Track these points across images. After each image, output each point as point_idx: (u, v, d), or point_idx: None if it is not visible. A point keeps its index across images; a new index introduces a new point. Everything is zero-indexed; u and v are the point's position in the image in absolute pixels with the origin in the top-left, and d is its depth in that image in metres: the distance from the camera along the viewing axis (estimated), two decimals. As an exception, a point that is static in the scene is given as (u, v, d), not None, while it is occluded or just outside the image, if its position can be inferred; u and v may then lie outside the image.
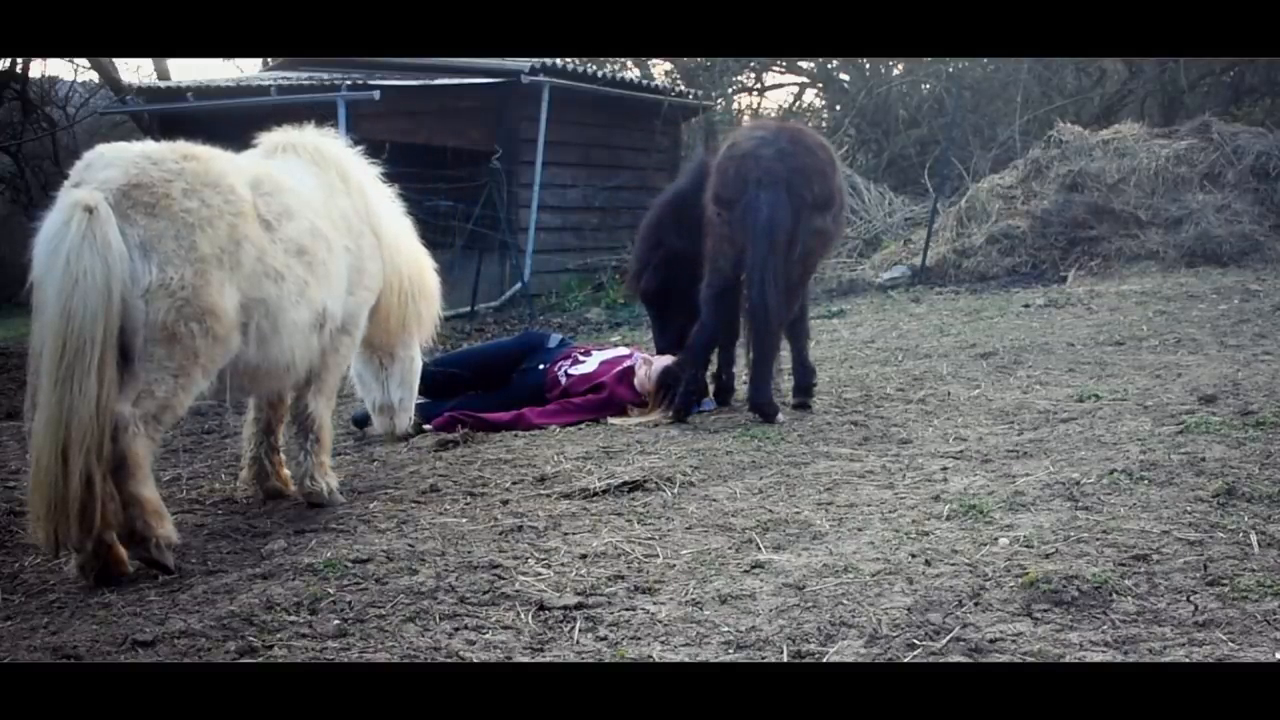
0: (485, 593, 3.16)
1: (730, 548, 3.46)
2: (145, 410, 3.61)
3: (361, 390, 5.22)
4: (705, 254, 5.67)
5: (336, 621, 2.98)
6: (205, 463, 5.46)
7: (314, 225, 4.20)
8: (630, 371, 6.03)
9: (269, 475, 4.62)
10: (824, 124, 19.42)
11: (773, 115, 19.46)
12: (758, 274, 5.34)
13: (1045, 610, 2.77)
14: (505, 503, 4.17)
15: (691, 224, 5.79)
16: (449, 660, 2.72)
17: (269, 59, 17.44)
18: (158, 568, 3.59)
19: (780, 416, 5.44)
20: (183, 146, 3.92)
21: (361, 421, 6.23)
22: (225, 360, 3.85)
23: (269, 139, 4.53)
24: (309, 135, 4.57)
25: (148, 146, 3.86)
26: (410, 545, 3.62)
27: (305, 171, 4.38)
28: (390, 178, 4.95)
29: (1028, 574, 2.93)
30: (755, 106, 20.87)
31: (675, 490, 4.17)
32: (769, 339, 5.41)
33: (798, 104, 21.18)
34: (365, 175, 4.72)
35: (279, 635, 2.90)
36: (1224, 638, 2.54)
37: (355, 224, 4.47)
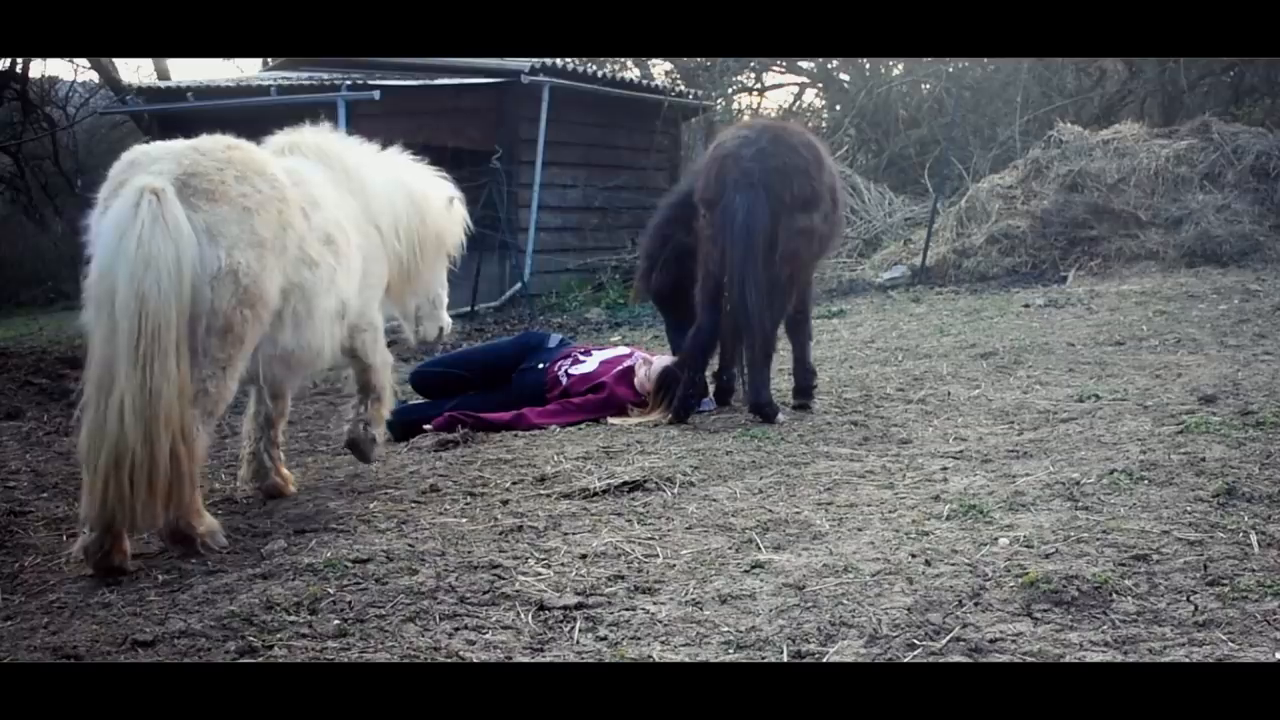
0: (485, 593, 3.16)
1: (730, 548, 3.46)
2: (204, 408, 3.73)
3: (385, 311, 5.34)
4: (699, 256, 5.68)
5: (336, 621, 2.98)
6: (205, 463, 5.45)
7: (336, 217, 4.31)
8: (630, 371, 6.03)
9: (268, 472, 4.64)
10: (824, 124, 19.41)
11: (773, 115, 19.46)
12: (737, 275, 5.33)
13: (1045, 610, 2.77)
14: (505, 503, 4.17)
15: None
16: (449, 660, 2.72)
17: (269, 59, 17.44)
18: (209, 551, 3.74)
19: (780, 416, 5.44)
20: (224, 139, 4.00)
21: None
22: (255, 346, 3.95)
23: (274, 141, 4.57)
24: (309, 135, 4.63)
25: (191, 140, 3.94)
26: (410, 545, 3.62)
27: (315, 169, 4.44)
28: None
29: (1028, 574, 2.93)
30: (755, 106, 20.87)
31: (675, 490, 4.17)
32: (757, 340, 5.39)
33: (798, 104, 21.19)
34: (366, 166, 4.74)
35: (279, 635, 2.90)
36: (1224, 638, 2.54)
37: (362, 222, 4.54)
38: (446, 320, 5.50)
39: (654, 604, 3.01)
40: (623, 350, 6.42)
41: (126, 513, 3.50)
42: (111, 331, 3.53)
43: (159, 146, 3.89)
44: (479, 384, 6.24)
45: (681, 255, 6.03)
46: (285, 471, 4.68)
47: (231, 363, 3.81)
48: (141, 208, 3.53)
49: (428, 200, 5.02)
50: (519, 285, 14.01)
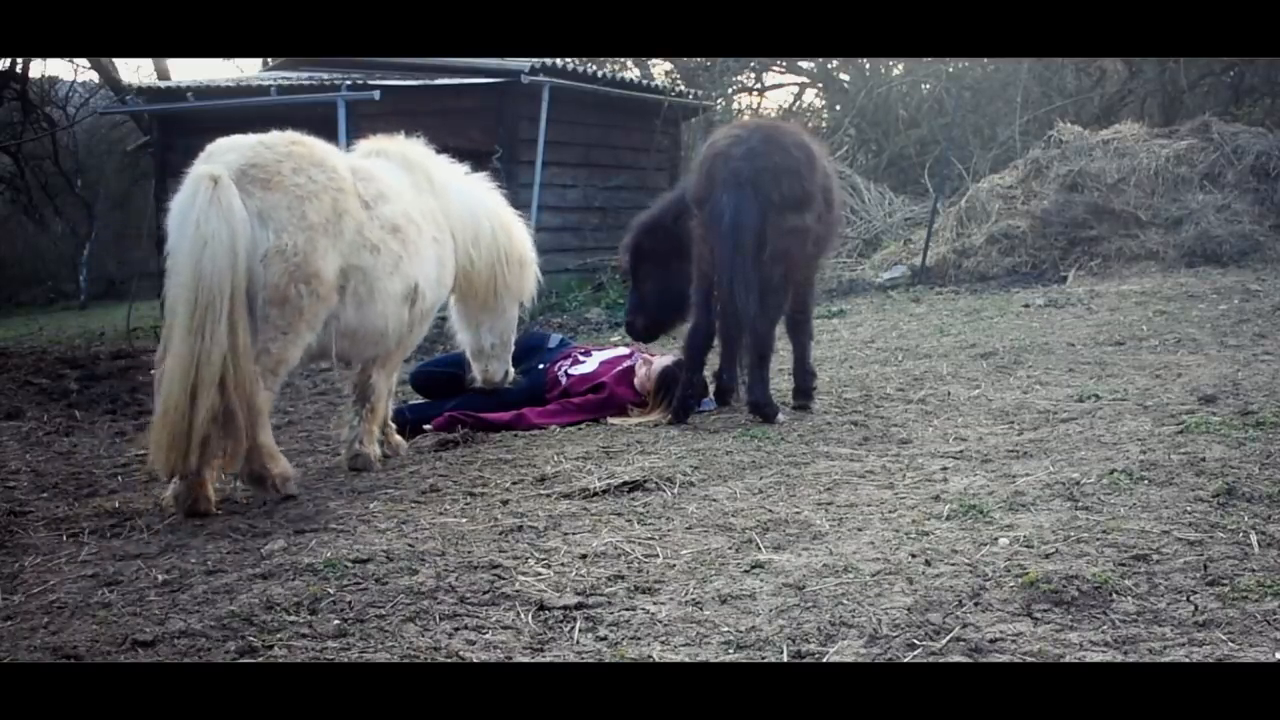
0: (485, 593, 3.16)
1: (730, 548, 3.46)
2: (265, 366, 4.23)
3: (461, 339, 5.83)
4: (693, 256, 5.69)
5: (336, 621, 2.98)
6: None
7: (407, 210, 4.76)
8: (630, 371, 6.03)
9: (381, 444, 5.17)
10: (824, 124, 19.41)
11: (772, 115, 19.44)
12: (726, 275, 5.33)
13: (1045, 610, 2.77)
14: (505, 503, 4.17)
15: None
16: (449, 660, 2.72)
17: (269, 59, 17.44)
18: (282, 497, 4.32)
19: (780, 416, 5.43)
20: (292, 135, 4.51)
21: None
22: (324, 317, 4.42)
23: (362, 146, 5.08)
24: (396, 142, 5.13)
25: (262, 135, 4.43)
26: (410, 545, 3.62)
27: (397, 171, 4.92)
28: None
29: (1028, 574, 2.94)
30: (755, 106, 20.87)
31: (675, 490, 4.17)
32: (751, 339, 5.38)
33: (798, 104, 21.19)
34: (449, 177, 5.22)
35: (279, 635, 2.90)
36: (1224, 638, 2.54)
37: (440, 221, 5.02)
38: (510, 366, 5.81)
39: (654, 604, 3.01)
40: (623, 350, 6.42)
41: (176, 460, 4.04)
42: (175, 301, 4.06)
43: (233, 140, 4.38)
44: (479, 384, 6.23)
45: (651, 226, 6.21)
46: (397, 439, 5.28)
47: (293, 329, 4.29)
48: (200, 193, 4.04)
49: (511, 229, 5.49)
50: (519, 285, 13.98)
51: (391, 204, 4.67)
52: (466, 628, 2.92)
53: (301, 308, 4.26)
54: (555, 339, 6.63)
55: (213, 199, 4.01)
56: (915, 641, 2.64)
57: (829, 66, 19.38)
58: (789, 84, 21.29)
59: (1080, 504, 3.62)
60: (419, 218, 4.83)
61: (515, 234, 5.55)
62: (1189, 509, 3.45)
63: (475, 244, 5.25)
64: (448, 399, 6.13)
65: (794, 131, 5.92)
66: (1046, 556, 3.12)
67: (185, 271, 4.01)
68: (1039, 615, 2.74)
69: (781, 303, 5.58)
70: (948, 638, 2.64)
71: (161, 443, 4.04)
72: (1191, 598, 2.79)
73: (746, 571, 3.22)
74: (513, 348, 5.82)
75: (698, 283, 5.61)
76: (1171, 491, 3.66)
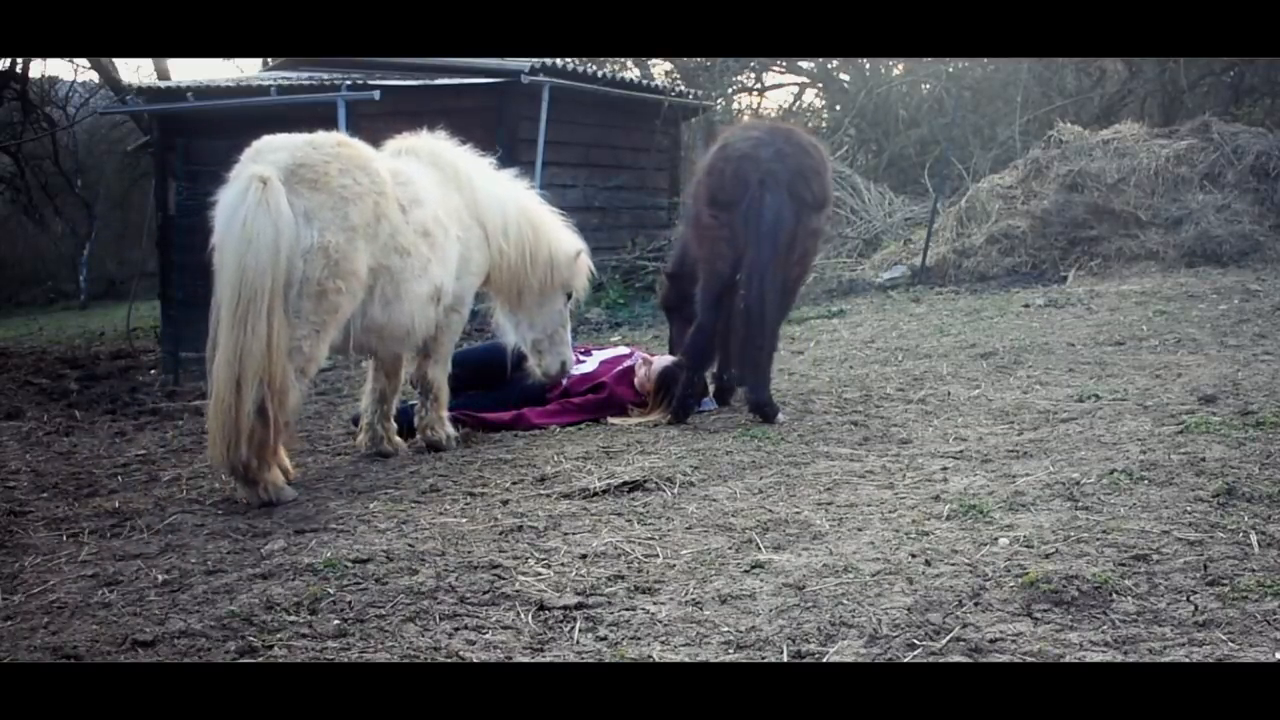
0: (485, 593, 3.16)
1: (730, 548, 3.46)
2: (296, 365, 4.36)
3: (508, 339, 5.86)
4: (699, 257, 5.68)
5: (336, 621, 2.98)
6: (205, 463, 5.45)
7: (436, 214, 4.95)
8: (630, 371, 6.03)
9: (381, 439, 5.30)
10: (824, 124, 19.41)
11: (773, 115, 19.45)
12: (757, 276, 5.34)
13: (1045, 610, 2.77)
14: (505, 503, 4.17)
15: None
16: (449, 660, 2.72)
17: (269, 59, 17.44)
18: (269, 503, 4.32)
19: (781, 416, 5.44)
20: (338, 136, 4.71)
21: (359, 420, 6.23)
22: (350, 314, 4.57)
23: (391, 144, 5.23)
24: (425, 140, 5.31)
25: (309, 135, 4.59)
26: (410, 545, 3.62)
27: (425, 170, 5.09)
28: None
29: (1028, 574, 2.94)
30: (755, 106, 20.89)
31: (675, 490, 4.17)
32: (766, 339, 5.41)
33: (798, 104, 21.20)
34: (476, 171, 5.37)
35: (279, 635, 2.90)
36: (1224, 638, 2.54)
37: (465, 217, 5.18)
38: (569, 356, 5.86)
39: (654, 604, 3.01)
40: (623, 350, 6.42)
41: (226, 452, 4.16)
42: (220, 297, 4.22)
43: (281, 138, 4.52)
44: (478, 384, 6.23)
45: (672, 275, 6.23)
46: (396, 439, 5.32)
47: (325, 327, 4.44)
48: (249, 193, 4.18)
49: (543, 221, 5.57)
50: (519, 285, 13.96)
51: (424, 208, 4.86)
52: (466, 628, 2.92)
53: (338, 304, 4.43)
54: (555, 339, 6.62)
55: (261, 200, 4.16)
56: (915, 641, 2.64)
57: (829, 66, 19.39)
58: (789, 84, 21.33)
59: (1080, 504, 3.62)
60: (445, 218, 5.01)
61: (541, 222, 5.61)
62: (1189, 509, 3.45)
63: (505, 236, 5.39)
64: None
65: (802, 133, 6.00)
66: (1046, 556, 3.12)
67: (230, 268, 4.16)
68: (1039, 615, 2.74)
69: (791, 302, 5.65)
70: (948, 638, 2.64)
71: (214, 435, 4.21)
72: (1191, 598, 2.79)
73: (746, 571, 3.22)
74: (568, 340, 5.86)
75: (707, 282, 5.60)
76: (1171, 491, 3.66)
